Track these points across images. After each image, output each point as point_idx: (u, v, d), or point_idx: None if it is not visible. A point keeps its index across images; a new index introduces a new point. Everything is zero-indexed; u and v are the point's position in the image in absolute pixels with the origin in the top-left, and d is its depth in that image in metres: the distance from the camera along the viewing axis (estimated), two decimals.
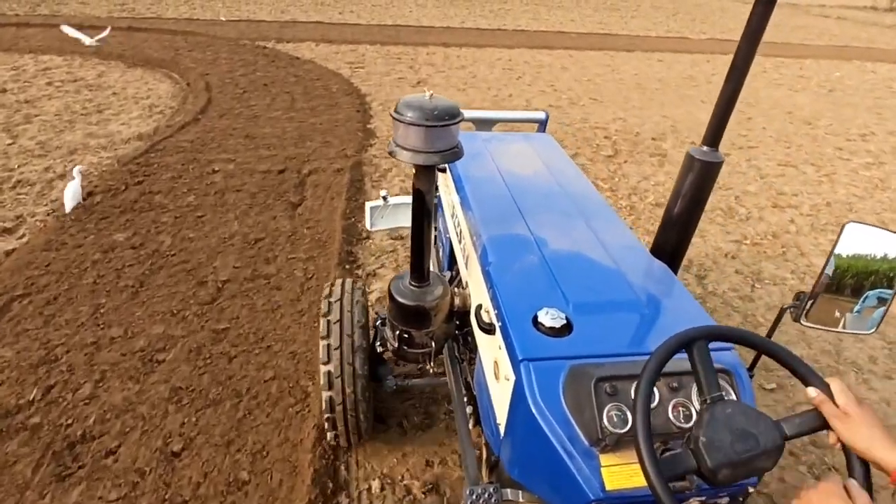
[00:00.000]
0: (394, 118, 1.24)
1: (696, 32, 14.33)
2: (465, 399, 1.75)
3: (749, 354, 1.17)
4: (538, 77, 8.22)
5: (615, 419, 0.97)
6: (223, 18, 10.46)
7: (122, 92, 5.95)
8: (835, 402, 0.83)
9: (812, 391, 0.86)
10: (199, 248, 3.25)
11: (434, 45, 9.74)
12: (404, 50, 9.14)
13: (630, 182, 4.81)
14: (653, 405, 0.98)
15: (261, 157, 4.50)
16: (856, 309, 1.18)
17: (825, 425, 0.83)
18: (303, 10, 12.05)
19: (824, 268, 1.16)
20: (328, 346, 1.72)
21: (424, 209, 1.41)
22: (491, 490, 1.26)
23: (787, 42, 14.18)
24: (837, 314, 1.20)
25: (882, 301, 1.16)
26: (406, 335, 1.62)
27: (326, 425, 1.83)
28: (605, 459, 0.98)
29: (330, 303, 1.81)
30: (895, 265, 1.14)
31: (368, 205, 2.54)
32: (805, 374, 0.88)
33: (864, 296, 1.17)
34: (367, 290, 2.63)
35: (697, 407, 0.99)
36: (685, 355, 0.92)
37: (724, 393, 0.87)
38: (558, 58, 9.71)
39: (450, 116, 1.23)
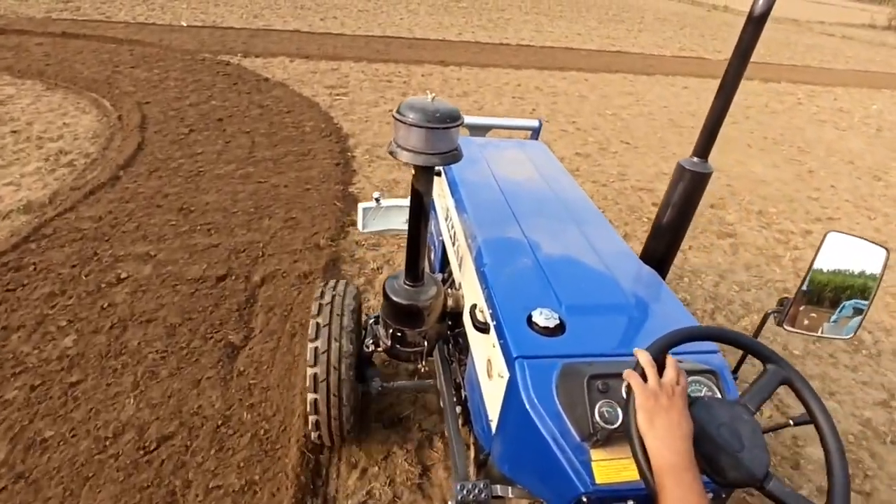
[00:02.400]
0: (395, 119, 1.25)
1: (710, 51, 13.25)
2: (455, 399, 1.74)
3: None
4: (555, 109, 6.94)
5: (606, 415, 0.97)
6: (184, 23, 8.98)
7: (26, 129, 4.50)
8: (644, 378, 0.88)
9: (642, 354, 0.91)
10: (53, 470, 1.88)
11: (430, 62, 8.40)
12: (395, 69, 7.79)
13: (705, 283, 3.55)
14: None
15: (195, 251, 3.13)
16: (833, 318, 1.22)
17: None
18: (279, 16, 10.59)
19: (806, 275, 1.21)
20: (317, 324, 1.73)
21: (422, 210, 1.42)
22: (481, 485, 1.25)
23: (807, 65, 13.16)
24: (816, 321, 1.24)
25: (857, 311, 1.20)
26: (399, 334, 1.63)
27: (310, 419, 1.78)
28: (595, 454, 0.98)
29: (322, 291, 1.85)
30: (870, 278, 1.18)
31: (361, 206, 2.46)
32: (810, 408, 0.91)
33: (841, 306, 1.21)
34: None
35: None
36: (675, 356, 0.97)
37: (755, 415, 0.87)
38: (573, 82, 8.45)
39: (451, 119, 1.25)
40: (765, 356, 0.94)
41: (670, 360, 0.92)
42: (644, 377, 0.88)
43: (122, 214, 3.40)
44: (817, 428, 0.88)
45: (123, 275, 2.86)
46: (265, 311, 2.74)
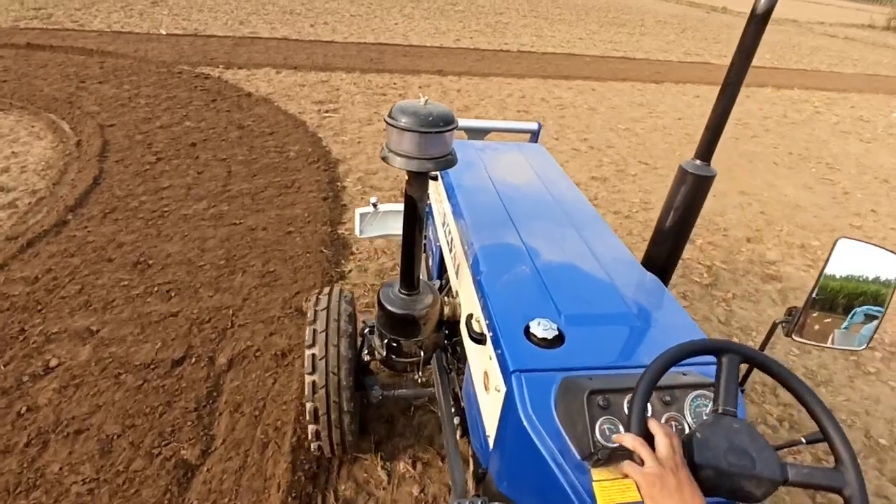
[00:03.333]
0: (387, 123, 1.20)
1: (716, 56, 12.75)
2: (453, 410, 1.71)
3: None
4: (564, 124, 6.40)
5: (607, 433, 0.94)
6: (163, 31, 8.39)
7: None
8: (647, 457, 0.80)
9: (627, 438, 0.83)
10: None
11: (427, 72, 7.85)
12: (390, 81, 7.23)
13: (759, 345, 3.01)
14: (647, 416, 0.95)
15: (148, 324, 2.56)
16: (843, 326, 1.18)
17: (839, 489, 0.78)
18: (267, 22, 10.01)
19: (816, 283, 1.16)
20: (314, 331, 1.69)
21: (416, 216, 1.38)
22: (479, 503, 1.20)
23: (816, 69, 12.68)
24: (827, 330, 1.19)
25: (869, 318, 1.16)
26: (394, 344, 1.58)
27: (310, 436, 1.73)
28: (596, 474, 0.95)
29: (316, 311, 1.75)
30: (883, 285, 1.14)
31: (358, 211, 2.44)
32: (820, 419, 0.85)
33: (852, 313, 1.16)
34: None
35: (691, 421, 0.99)
36: (678, 369, 0.97)
37: (737, 412, 0.86)
38: (580, 92, 7.92)
39: (444, 123, 1.19)
40: (717, 349, 0.90)
41: (655, 426, 0.82)
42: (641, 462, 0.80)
43: (63, 273, 2.82)
44: (784, 385, 0.89)
45: (53, 362, 2.29)
46: (231, 409, 2.17)
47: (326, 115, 5.68)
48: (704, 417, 0.89)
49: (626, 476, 0.81)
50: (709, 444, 0.80)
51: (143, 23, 8.88)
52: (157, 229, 3.30)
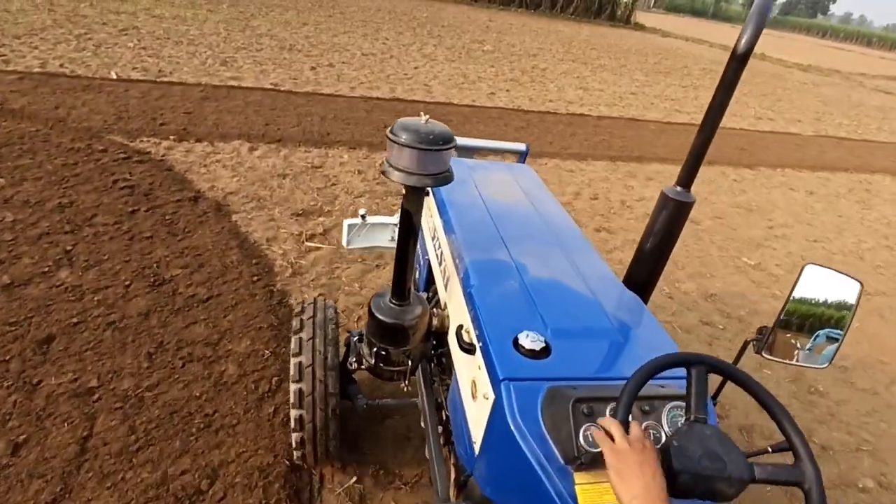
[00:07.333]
0: (388, 139, 1.25)
1: (791, 121, 10.77)
2: (437, 419, 1.75)
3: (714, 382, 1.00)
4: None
5: (591, 438, 0.97)
6: (113, 75, 6.36)
7: None
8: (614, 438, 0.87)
9: (608, 420, 0.91)
10: None
11: None
12: None
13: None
14: None
15: None
16: (807, 346, 1.26)
17: (799, 482, 0.82)
18: (257, 62, 8.00)
19: (784, 305, 1.25)
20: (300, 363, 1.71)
21: (411, 229, 1.44)
22: None
23: None
24: (792, 350, 1.28)
25: (831, 339, 1.25)
26: (383, 352, 1.63)
27: (294, 444, 1.76)
28: (579, 478, 0.98)
29: (302, 320, 1.81)
30: (845, 309, 1.23)
31: (346, 222, 2.40)
32: (789, 434, 0.88)
33: (816, 335, 1.25)
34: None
35: (667, 429, 1.03)
36: (656, 381, 0.99)
37: (708, 419, 0.90)
38: (661, 182, 5.83)
39: (444, 141, 1.25)
40: (689, 362, 0.94)
41: (634, 424, 0.90)
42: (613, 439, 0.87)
43: None
44: (750, 393, 0.93)
45: None
46: None
47: (310, 245, 3.57)
48: (679, 426, 0.92)
49: (601, 440, 0.88)
50: (686, 452, 0.84)
51: (95, 60, 6.85)
52: None
